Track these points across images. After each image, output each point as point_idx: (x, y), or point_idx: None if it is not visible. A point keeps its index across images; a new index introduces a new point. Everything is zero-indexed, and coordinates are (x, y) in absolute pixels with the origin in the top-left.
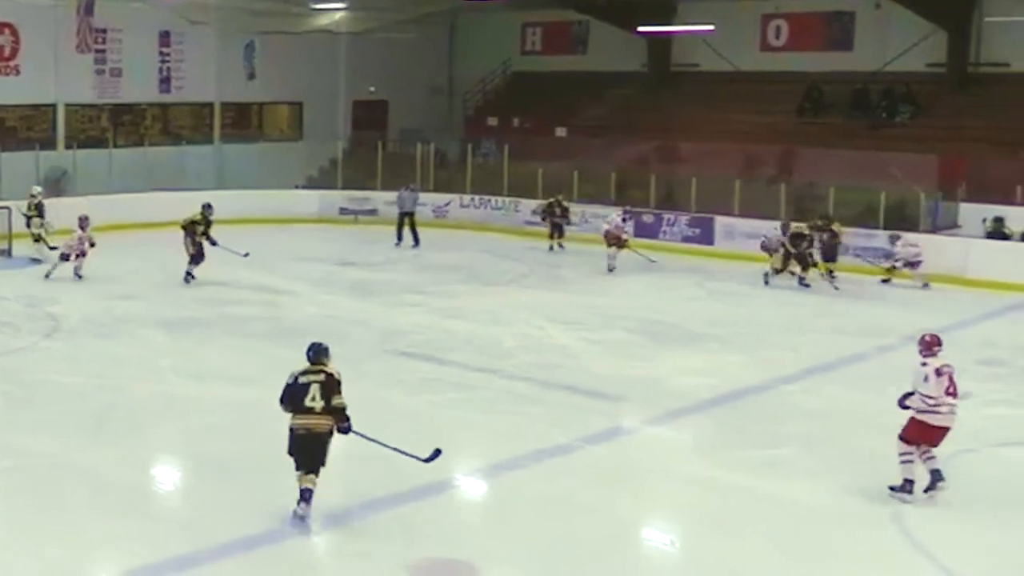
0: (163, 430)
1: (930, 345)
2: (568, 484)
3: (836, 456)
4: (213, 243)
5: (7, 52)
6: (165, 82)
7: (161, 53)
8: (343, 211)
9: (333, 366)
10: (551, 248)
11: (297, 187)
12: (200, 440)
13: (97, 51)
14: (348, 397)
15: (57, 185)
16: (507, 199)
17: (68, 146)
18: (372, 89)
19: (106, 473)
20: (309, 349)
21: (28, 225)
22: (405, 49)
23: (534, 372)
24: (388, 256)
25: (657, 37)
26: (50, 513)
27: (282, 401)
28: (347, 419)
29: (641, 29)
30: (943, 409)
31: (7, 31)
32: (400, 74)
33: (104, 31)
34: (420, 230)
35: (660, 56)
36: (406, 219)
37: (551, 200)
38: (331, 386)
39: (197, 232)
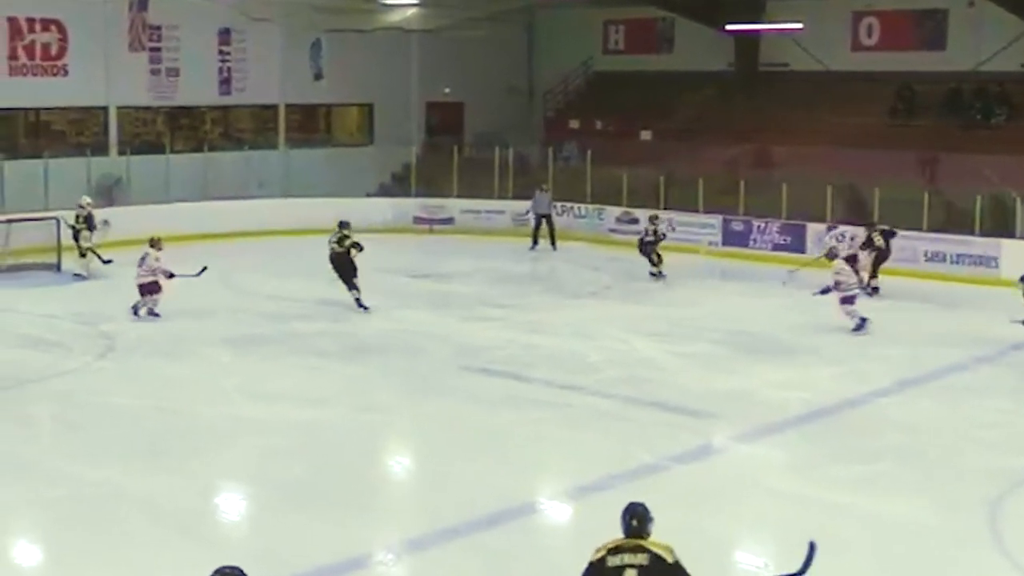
0: (226, 454)
1: None
2: (656, 505)
3: (934, 471)
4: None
5: (54, 51)
6: (225, 83)
7: (221, 52)
8: (417, 220)
9: (661, 542)
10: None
11: (368, 195)
12: (266, 465)
13: (152, 50)
14: (423, 414)
15: (109, 193)
16: (590, 206)
17: (121, 152)
18: (447, 90)
19: (165, 501)
20: (629, 515)
21: (75, 239)
22: (481, 48)
23: (619, 388)
24: (463, 267)
25: (745, 35)
26: (106, 545)
27: None
28: None
29: (728, 27)
30: None
31: (54, 28)
32: (476, 74)
33: (159, 28)
34: (497, 240)
35: (748, 55)
36: (543, 222)
37: (645, 229)
38: (660, 573)
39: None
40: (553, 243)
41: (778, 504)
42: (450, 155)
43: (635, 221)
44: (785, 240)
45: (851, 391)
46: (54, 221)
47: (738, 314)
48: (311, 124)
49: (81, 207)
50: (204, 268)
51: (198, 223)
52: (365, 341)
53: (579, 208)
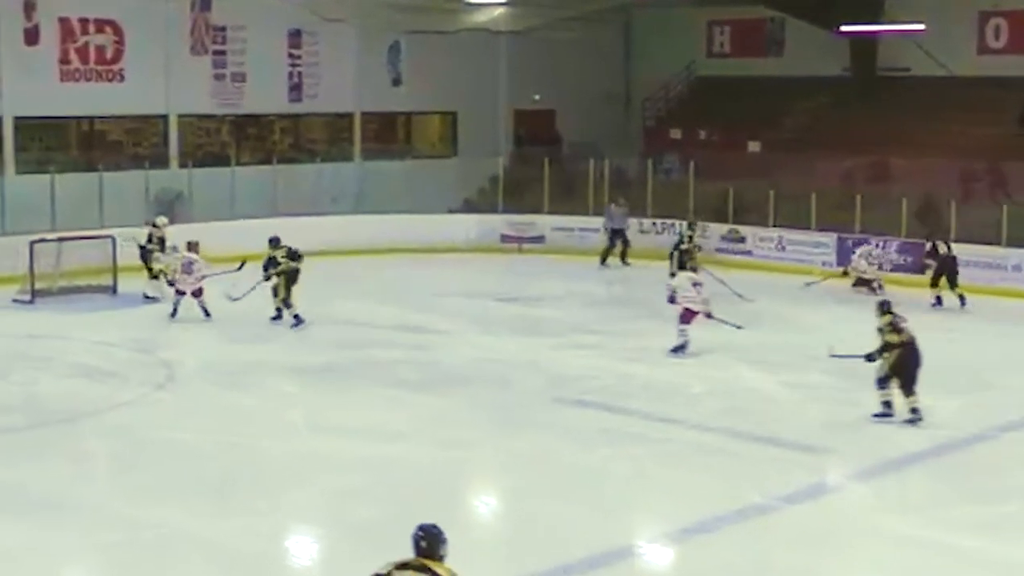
0: (295, 494)
1: None
2: (765, 549)
3: None
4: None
5: (110, 55)
6: (296, 89)
7: (291, 55)
8: (505, 239)
9: (448, 567)
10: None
11: (451, 211)
12: (338, 506)
13: (216, 53)
14: (511, 450)
15: (170, 209)
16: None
17: (182, 164)
18: (537, 97)
19: (231, 545)
20: (421, 534)
21: (144, 259)
22: (574, 50)
23: (724, 421)
24: (554, 290)
25: (862, 37)
26: None
27: None
28: None
29: (844, 28)
30: None
31: (109, 30)
32: (569, 79)
33: (223, 29)
34: (591, 260)
35: (865, 59)
36: (616, 238)
37: (681, 235)
38: None
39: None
40: (623, 258)
41: (898, 548)
42: (540, 167)
43: (742, 240)
44: (905, 260)
45: (977, 424)
46: (109, 240)
47: (853, 340)
48: (389, 134)
49: (155, 227)
50: (243, 263)
51: (265, 241)
52: (448, 371)
53: (680, 225)
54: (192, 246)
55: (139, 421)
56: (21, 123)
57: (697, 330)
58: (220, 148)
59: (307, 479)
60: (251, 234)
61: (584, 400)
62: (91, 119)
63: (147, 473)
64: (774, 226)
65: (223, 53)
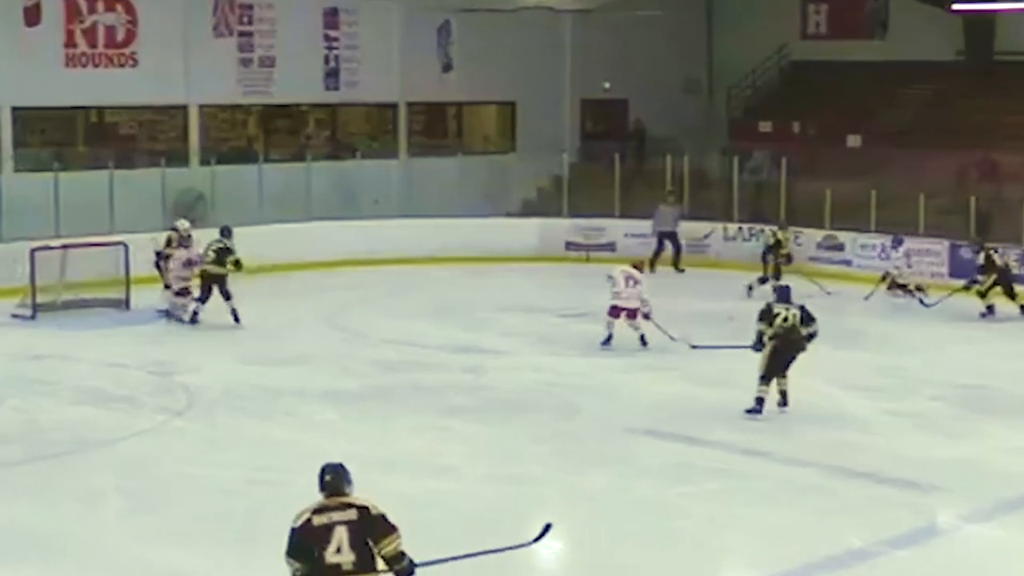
0: None
1: None
2: None
3: None
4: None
5: (120, 36)
6: (332, 76)
7: (327, 37)
8: (570, 246)
9: (363, 497)
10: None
11: (508, 214)
12: None
13: (242, 34)
14: (577, 486)
15: (190, 212)
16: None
17: (204, 161)
18: (607, 85)
19: None
20: (325, 472)
21: (159, 268)
22: (650, 31)
23: (820, 454)
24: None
25: (978, 17)
26: None
27: (289, 555)
28: (406, 562)
29: (957, 7)
30: None
31: (120, 8)
32: (643, 65)
33: (250, 8)
34: (668, 269)
35: (981, 41)
36: (666, 241)
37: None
38: (370, 526)
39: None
40: (676, 264)
41: None
42: (610, 165)
43: (840, 247)
44: None
45: None
46: (121, 247)
47: (969, 363)
48: (438, 127)
49: (179, 232)
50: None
51: (298, 249)
52: (506, 396)
53: (770, 230)
54: (183, 237)
55: (154, 454)
56: (20, 114)
57: None
58: (246, 143)
59: None
60: (281, 241)
61: (659, 430)
62: (100, 110)
63: (163, 513)
64: (876, 231)
65: (250, 35)
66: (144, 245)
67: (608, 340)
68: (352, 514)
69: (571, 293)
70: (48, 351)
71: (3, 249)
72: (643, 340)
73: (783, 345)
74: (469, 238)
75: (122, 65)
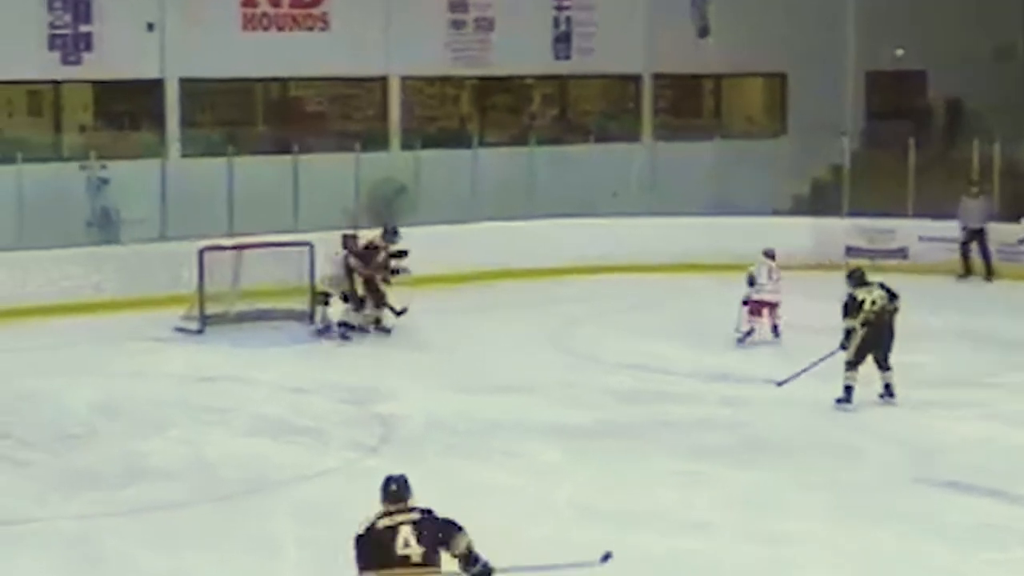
0: None
1: None
2: None
3: None
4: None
5: None
6: (563, 41)
7: None
8: (851, 251)
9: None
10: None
11: (776, 212)
12: None
13: None
14: (856, 548)
15: (388, 207)
16: None
17: (406, 145)
18: (899, 53)
19: None
20: (389, 482)
21: (351, 273)
22: None
23: None
24: (925, 325)
25: None
26: None
27: (359, 561)
28: (480, 565)
29: None
30: None
31: None
32: (944, 29)
33: None
34: (979, 283)
35: None
36: (973, 240)
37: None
38: (434, 524)
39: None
40: (988, 272)
41: None
42: (903, 152)
43: None
44: None
45: None
46: (307, 248)
47: None
48: (691, 104)
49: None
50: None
51: (518, 252)
52: (768, 435)
53: None
54: (348, 240)
55: (343, 498)
56: (188, 88)
57: None
58: (458, 123)
59: None
60: (497, 242)
61: (959, 482)
62: (283, 82)
63: (352, 571)
64: None
65: None
66: (334, 244)
67: (749, 335)
68: (415, 515)
69: None
70: (218, 372)
71: (167, 249)
72: (776, 330)
73: (876, 328)
74: (727, 241)
75: (310, 28)
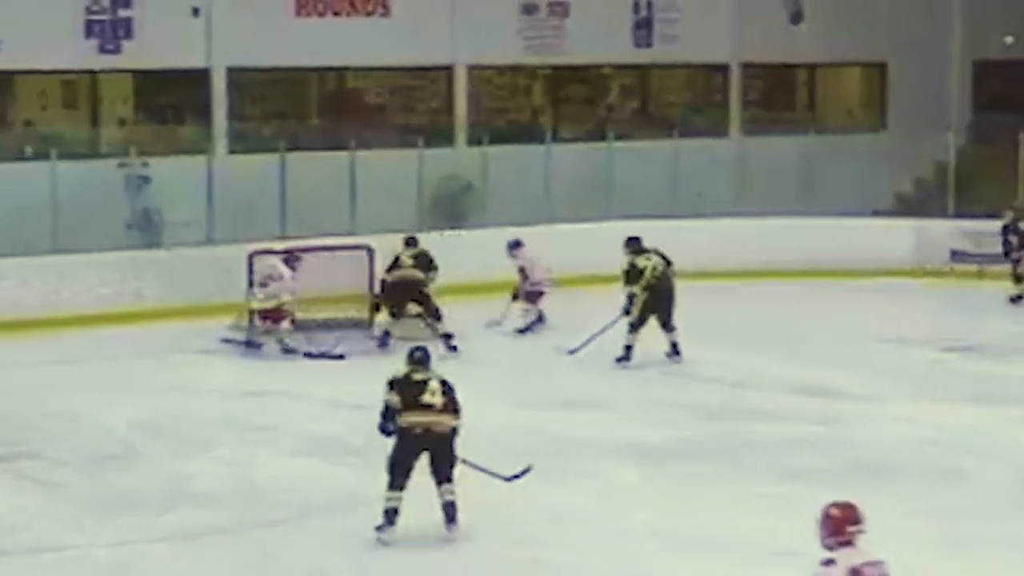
0: None
1: (840, 525)
2: None
3: None
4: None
5: None
6: (644, 27)
7: None
8: (956, 256)
9: None
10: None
11: (875, 213)
12: None
13: None
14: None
15: (454, 207)
16: None
17: (473, 140)
18: (1008, 40)
19: None
20: (415, 350)
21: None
22: None
23: None
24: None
25: None
26: None
27: (386, 409)
28: None
29: None
30: None
31: None
32: None
33: None
34: None
35: None
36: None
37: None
38: (452, 391)
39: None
40: None
41: None
42: (1013, 148)
43: None
44: None
45: None
46: (365, 252)
47: None
48: (782, 96)
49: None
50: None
51: (594, 256)
52: (867, 455)
53: None
54: (290, 259)
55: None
56: (237, 78)
57: None
58: (530, 116)
59: None
60: (573, 245)
61: None
62: (340, 72)
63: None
64: None
65: None
66: (394, 247)
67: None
68: (440, 378)
69: (956, 319)
70: (267, 386)
71: (213, 253)
72: None
73: (657, 293)
74: (821, 244)
75: (369, 14)
